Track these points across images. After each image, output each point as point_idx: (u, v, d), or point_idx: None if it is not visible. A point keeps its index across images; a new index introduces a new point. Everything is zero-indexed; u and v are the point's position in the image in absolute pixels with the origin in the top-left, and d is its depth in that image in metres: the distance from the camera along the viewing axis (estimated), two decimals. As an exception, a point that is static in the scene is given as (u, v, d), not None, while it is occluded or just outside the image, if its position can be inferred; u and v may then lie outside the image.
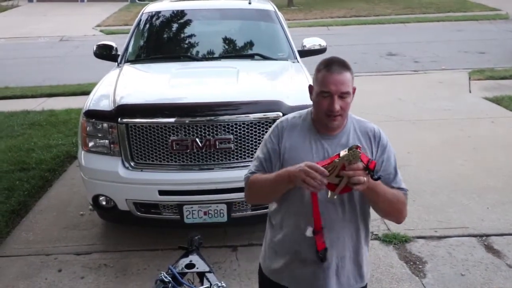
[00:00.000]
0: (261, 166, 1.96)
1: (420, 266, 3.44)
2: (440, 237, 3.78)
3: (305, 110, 2.01)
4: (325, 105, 1.82)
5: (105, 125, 3.46)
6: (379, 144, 1.94)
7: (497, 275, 3.31)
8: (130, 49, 4.67)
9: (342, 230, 1.90)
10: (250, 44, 4.77)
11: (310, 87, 1.95)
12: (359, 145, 1.67)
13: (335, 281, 1.92)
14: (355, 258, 1.95)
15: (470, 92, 7.89)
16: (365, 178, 1.66)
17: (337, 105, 1.80)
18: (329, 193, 1.73)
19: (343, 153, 1.66)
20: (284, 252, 1.97)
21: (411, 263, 3.48)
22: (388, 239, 3.73)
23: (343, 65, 1.85)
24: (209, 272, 2.17)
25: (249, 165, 2.05)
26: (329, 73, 1.82)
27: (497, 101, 7.15)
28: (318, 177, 1.64)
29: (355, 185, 1.65)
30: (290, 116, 2.02)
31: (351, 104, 1.89)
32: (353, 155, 1.63)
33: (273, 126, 2.02)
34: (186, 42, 4.90)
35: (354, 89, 1.90)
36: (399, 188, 1.93)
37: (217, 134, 3.33)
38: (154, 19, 5.06)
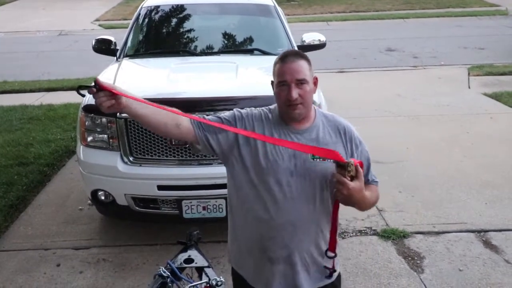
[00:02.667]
0: (210, 124, 1.84)
1: (418, 262, 3.45)
2: (438, 233, 3.80)
3: (273, 105, 1.96)
4: (284, 95, 1.81)
5: (103, 119, 3.45)
6: (351, 139, 1.93)
7: (495, 271, 3.32)
8: (129, 44, 4.66)
9: (311, 225, 1.87)
10: (249, 39, 4.75)
11: (272, 83, 1.91)
12: (352, 163, 1.70)
13: (305, 276, 1.90)
14: (323, 252, 1.92)
15: (469, 88, 7.89)
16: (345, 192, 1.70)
17: (295, 93, 1.78)
18: None
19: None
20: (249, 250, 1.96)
21: (409, 258, 3.49)
22: (387, 235, 3.74)
23: (297, 54, 1.86)
24: (208, 267, 2.18)
25: None
26: (283, 63, 1.82)
27: (496, 97, 7.16)
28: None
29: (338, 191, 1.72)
30: (255, 111, 1.95)
31: (319, 95, 1.86)
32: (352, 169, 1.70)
33: (246, 109, 1.95)
34: (185, 36, 4.89)
35: (315, 79, 1.89)
36: (373, 181, 1.99)
37: (216, 129, 3.32)
38: (153, 13, 5.04)
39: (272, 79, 1.89)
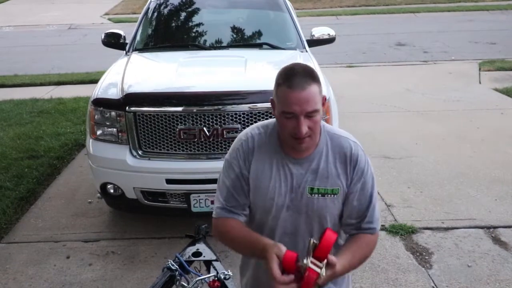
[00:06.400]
0: (231, 197, 1.70)
1: (427, 257, 3.44)
2: (447, 229, 3.78)
3: (272, 123, 1.73)
4: (291, 127, 1.56)
5: (113, 113, 3.47)
6: (355, 169, 1.67)
7: (504, 267, 3.30)
8: (138, 38, 4.67)
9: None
10: (258, 33, 4.74)
11: (272, 102, 1.65)
12: (314, 241, 1.46)
13: None
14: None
15: (480, 83, 7.81)
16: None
17: (304, 127, 1.54)
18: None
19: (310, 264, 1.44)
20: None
21: (418, 254, 3.48)
22: (395, 230, 3.73)
23: (307, 76, 1.55)
24: (216, 260, 2.18)
25: None
26: (291, 90, 1.52)
27: (507, 92, 7.08)
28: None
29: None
30: (254, 131, 1.73)
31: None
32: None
33: (236, 145, 1.73)
34: (194, 30, 4.88)
35: (324, 100, 1.63)
36: (368, 229, 1.68)
37: (224, 124, 3.33)
38: (162, 7, 5.04)
39: (272, 97, 1.64)
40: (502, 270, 3.26)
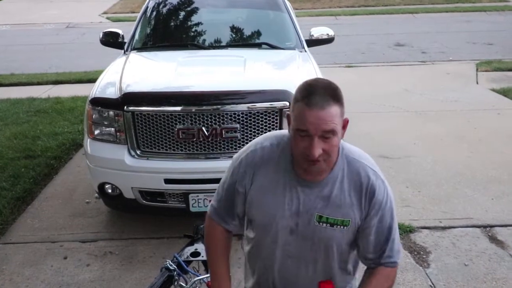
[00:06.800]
0: (226, 200, 1.68)
1: (424, 256, 3.45)
2: (444, 228, 3.79)
3: (286, 135, 1.59)
4: (303, 146, 1.42)
5: (111, 113, 3.46)
6: (371, 202, 1.53)
7: (501, 266, 3.31)
8: (136, 37, 4.66)
9: (310, 285, 1.63)
10: (257, 33, 4.74)
11: (288, 117, 1.51)
12: None
13: None
14: None
15: (477, 83, 7.83)
16: None
17: (318, 149, 1.40)
18: None
19: None
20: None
21: (415, 253, 3.49)
22: (393, 230, 3.73)
23: (328, 95, 1.41)
24: (214, 260, 2.18)
25: None
26: (308, 108, 1.39)
27: (504, 92, 7.10)
28: None
29: None
30: (266, 143, 1.60)
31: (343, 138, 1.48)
32: None
33: (244, 152, 1.63)
34: (193, 30, 4.88)
35: (346, 122, 1.48)
36: (388, 263, 1.58)
37: (223, 123, 3.33)
38: (161, 6, 5.03)
39: (289, 112, 1.51)
40: (499, 269, 3.28)
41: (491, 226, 3.78)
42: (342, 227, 1.54)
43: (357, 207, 1.53)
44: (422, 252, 3.49)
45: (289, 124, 1.51)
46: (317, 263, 1.61)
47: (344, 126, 1.48)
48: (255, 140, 1.66)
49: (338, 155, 1.52)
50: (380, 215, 1.54)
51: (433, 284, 3.15)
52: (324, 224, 1.54)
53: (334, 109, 1.40)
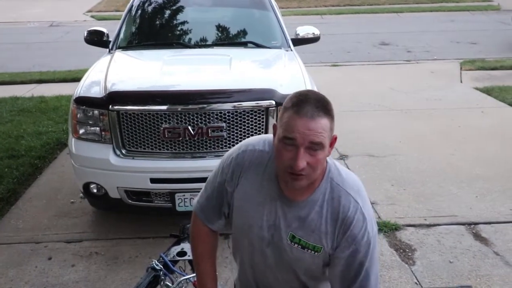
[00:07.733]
0: (212, 198, 1.66)
1: (410, 254, 3.48)
2: (429, 225, 3.82)
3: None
4: (287, 157, 1.35)
5: (96, 112, 3.42)
6: (345, 234, 1.45)
7: (485, 263, 3.35)
8: (121, 35, 4.62)
9: None
10: (243, 32, 4.73)
11: (274, 127, 1.45)
12: None
13: None
14: None
15: (461, 82, 7.93)
16: None
17: (302, 161, 1.33)
18: None
19: None
20: None
21: (401, 250, 3.52)
22: (379, 227, 3.76)
23: (319, 107, 1.35)
24: (201, 259, 2.17)
25: None
26: (298, 116, 1.32)
27: (487, 91, 7.20)
28: None
29: None
30: (258, 146, 1.55)
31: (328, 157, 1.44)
32: None
33: (234, 152, 1.59)
34: (179, 28, 4.86)
35: (334, 139, 1.42)
36: None
37: (209, 122, 3.32)
38: (146, 5, 5.00)
39: (275, 122, 1.50)
40: (483, 266, 3.32)
41: (476, 224, 3.82)
42: (312, 252, 1.50)
43: (330, 236, 1.47)
44: (407, 250, 3.52)
45: (274, 135, 1.44)
46: (292, 274, 1.61)
47: (332, 143, 1.42)
48: (248, 140, 1.62)
49: (322, 177, 1.47)
50: (353, 249, 1.45)
51: (418, 281, 3.18)
52: (296, 245, 1.50)
53: (324, 122, 1.34)
